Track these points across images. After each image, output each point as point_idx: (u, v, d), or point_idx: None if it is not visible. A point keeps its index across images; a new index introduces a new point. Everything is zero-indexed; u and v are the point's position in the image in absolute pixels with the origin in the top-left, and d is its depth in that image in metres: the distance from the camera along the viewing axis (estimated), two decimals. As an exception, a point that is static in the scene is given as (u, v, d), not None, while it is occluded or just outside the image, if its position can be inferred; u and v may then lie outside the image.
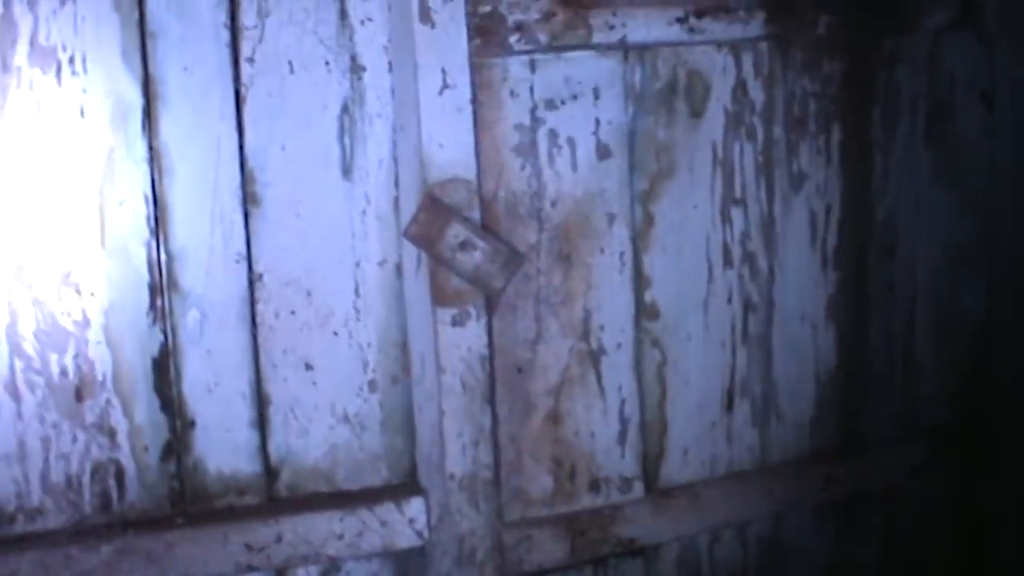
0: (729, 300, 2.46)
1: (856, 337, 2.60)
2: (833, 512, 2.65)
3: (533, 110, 2.20)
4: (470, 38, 2.09)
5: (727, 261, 2.44)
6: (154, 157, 2.04)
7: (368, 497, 2.21)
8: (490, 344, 2.18)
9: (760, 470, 2.53)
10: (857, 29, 2.46)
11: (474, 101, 2.11)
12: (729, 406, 2.48)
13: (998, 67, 2.66)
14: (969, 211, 2.71)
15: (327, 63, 2.12)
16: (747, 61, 2.39)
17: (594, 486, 2.35)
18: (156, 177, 2.04)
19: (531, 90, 2.20)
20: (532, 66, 2.19)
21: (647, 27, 2.24)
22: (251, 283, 2.12)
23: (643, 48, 2.28)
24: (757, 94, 2.42)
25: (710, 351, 2.45)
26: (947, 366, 2.75)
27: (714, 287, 2.44)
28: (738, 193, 2.43)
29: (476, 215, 2.12)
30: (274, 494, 2.19)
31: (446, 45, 2.06)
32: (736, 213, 2.43)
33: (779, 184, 2.47)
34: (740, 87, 2.40)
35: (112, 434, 2.07)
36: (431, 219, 2.06)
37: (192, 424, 2.11)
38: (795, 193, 2.49)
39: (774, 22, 2.34)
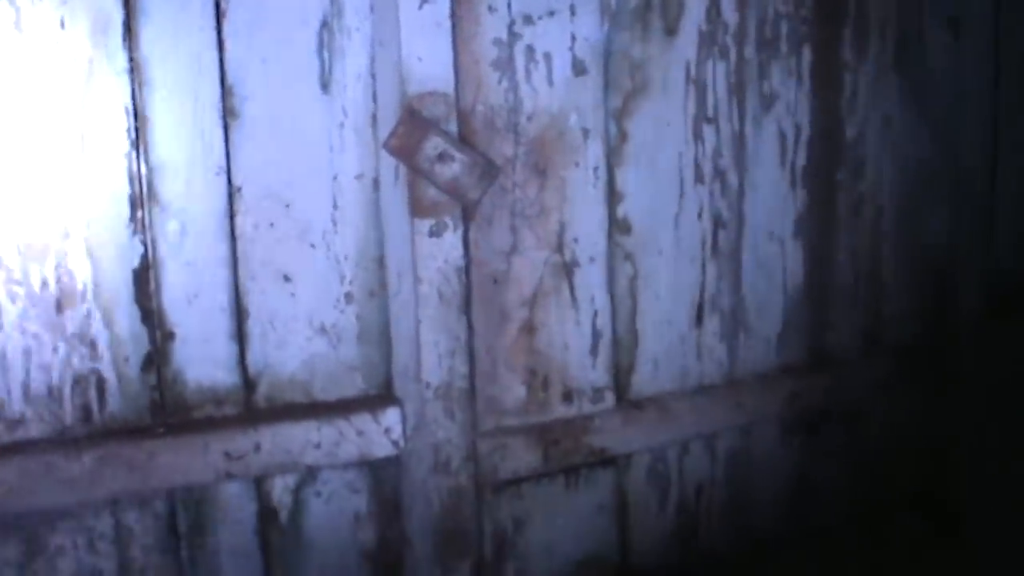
0: (700, 216, 2.49)
1: (823, 255, 2.65)
2: (800, 426, 2.70)
3: (511, 25, 2.22)
4: (451, -48, 2.10)
5: (698, 178, 2.47)
6: (134, 69, 2.03)
7: (345, 407, 2.23)
8: (466, 255, 2.21)
9: (728, 384, 2.58)
10: (830, -51, 2.49)
11: (453, 16, 2.12)
12: (699, 320, 2.53)
13: None
14: (935, 134, 2.74)
15: (307, -24, 2.12)
16: (722, -20, 2.42)
17: (567, 397, 2.39)
18: (136, 90, 2.03)
19: (509, 5, 2.21)
20: (511, -19, 2.21)
21: (623, -56, 2.27)
22: (230, 196, 2.13)
23: (619, -35, 2.30)
24: (730, 14, 2.44)
25: (680, 266, 2.49)
26: (911, 286, 2.80)
27: (685, 203, 2.47)
28: (710, 112, 2.46)
29: (454, 128, 2.14)
30: (252, 405, 2.20)
31: (426, -42, 2.08)
32: (708, 131, 2.46)
33: (750, 103, 2.50)
34: (714, 7, 2.42)
35: (93, 345, 2.08)
36: (410, 131, 2.08)
37: (172, 336, 2.13)
38: (766, 113, 2.52)
39: (748, -59, 2.37)
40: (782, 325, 2.64)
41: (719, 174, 2.49)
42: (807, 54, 2.54)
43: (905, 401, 2.84)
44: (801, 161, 2.58)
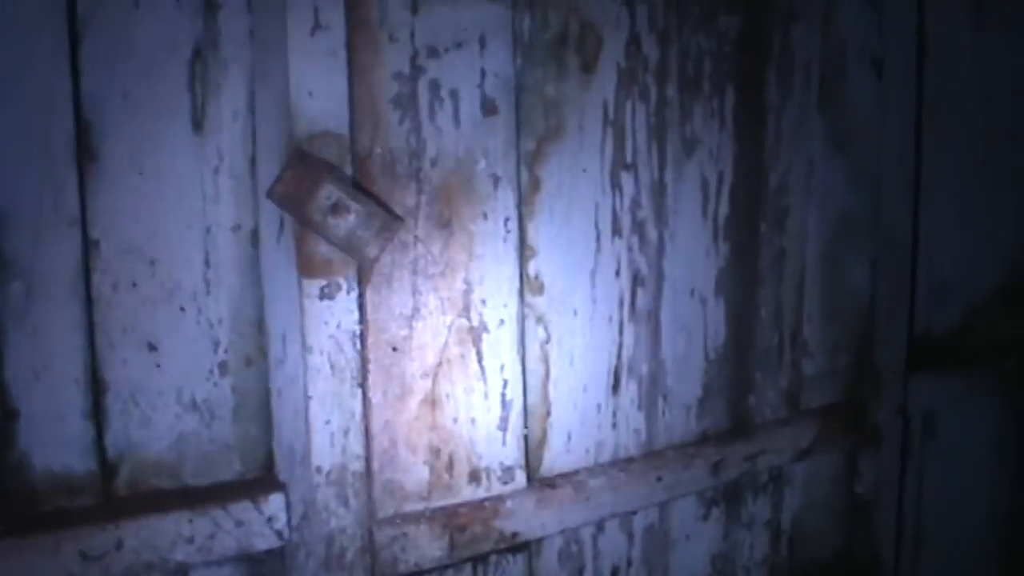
0: (617, 272, 2.30)
1: (745, 313, 2.49)
2: (721, 497, 2.55)
3: (414, 57, 1.98)
4: (346, -28, 1.86)
5: (616, 230, 2.28)
6: (-31, 101, 1.76)
7: (220, 494, 1.98)
8: (362, 320, 1.97)
9: (647, 456, 2.38)
10: (755, -16, 2.34)
11: (348, 45, 1.88)
12: (615, 387, 2.33)
13: (890, 35, 2.59)
14: (857, 182, 2.64)
15: (177, -2, 1.88)
16: (641, 14, 2.23)
17: (474, 477, 2.15)
18: (-29, 126, 1.76)
19: (412, 35, 1.97)
20: (414, 8, 1.95)
21: (540, -32, 2.06)
22: (86, 250, 1.87)
23: (534, -8, 2.10)
24: (651, 50, 2.26)
25: (597, 328, 2.29)
26: (832, 343, 2.68)
27: (602, 258, 2.27)
28: (629, 157, 2.27)
29: (348, 174, 1.90)
30: (112, 493, 1.94)
31: (319, -21, 1.84)
32: (626, 179, 2.27)
33: (671, 148, 2.32)
34: (634, 41, 2.23)
35: (-83, 427, 1.79)
36: (300, 177, 1.82)
37: (15, 414, 1.85)
38: (687, 158, 2.35)
39: (672, -29, 2.19)
40: (703, 389, 2.46)
41: (638, 226, 2.30)
42: (731, 94, 2.38)
43: (826, 462, 2.73)
44: (724, 211, 2.41)
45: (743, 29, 2.36)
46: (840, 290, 2.67)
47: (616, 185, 2.26)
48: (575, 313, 2.26)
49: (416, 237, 2.02)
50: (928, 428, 2.95)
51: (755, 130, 2.43)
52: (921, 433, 2.93)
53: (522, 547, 2.24)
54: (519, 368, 2.18)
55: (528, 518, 2.20)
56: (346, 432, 1.96)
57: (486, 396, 2.15)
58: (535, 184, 2.17)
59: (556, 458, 2.28)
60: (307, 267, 1.89)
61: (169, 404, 1.97)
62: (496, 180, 2.09)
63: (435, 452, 2.10)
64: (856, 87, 2.58)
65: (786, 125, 2.48)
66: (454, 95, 2.03)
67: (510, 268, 2.14)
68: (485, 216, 2.09)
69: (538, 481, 2.25)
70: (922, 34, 2.67)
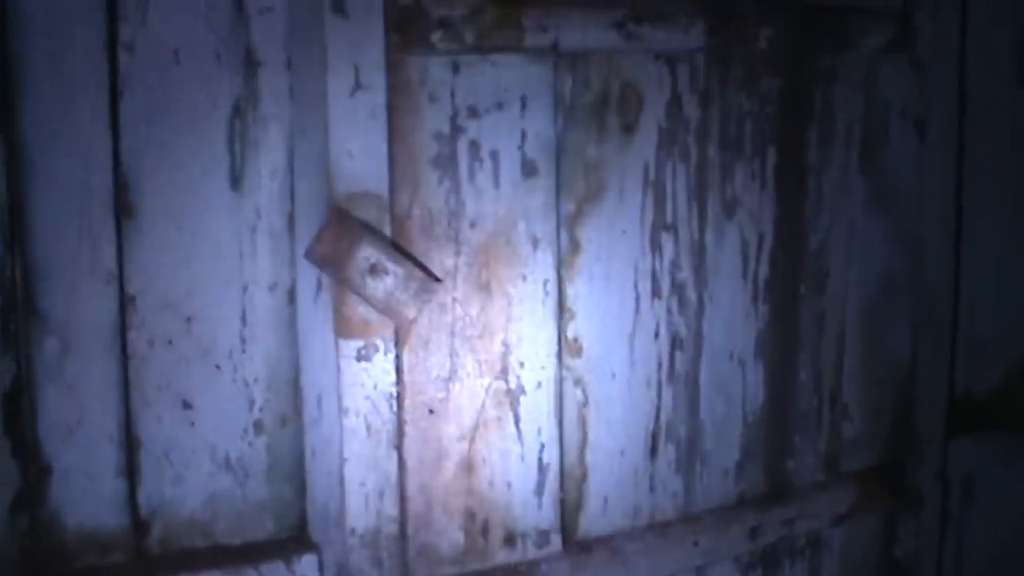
0: (656, 335, 2.28)
1: (785, 375, 2.47)
2: (758, 562, 2.52)
3: (454, 118, 1.97)
4: (387, 32, 1.84)
5: (655, 292, 2.26)
6: (11, 154, 1.74)
7: (253, 554, 1.96)
8: (399, 382, 1.95)
9: (684, 520, 2.36)
10: (797, 45, 2.32)
11: (389, 105, 1.87)
12: (653, 450, 2.30)
13: (931, 95, 2.58)
14: (899, 244, 2.62)
15: (218, 56, 1.87)
16: (683, 74, 2.22)
17: (509, 541, 2.12)
18: (13, 178, 1.75)
19: (452, 95, 1.96)
20: (455, 68, 1.95)
21: (583, 30, 2.04)
22: (122, 307, 1.86)
23: (575, 55, 2.08)
24: (692, 110, 2.25)
25: (635, 391, 2.27)
26: (872, 406, 2.65)
27: (641, 320, 2.25)
28: (669, 218, 2.25)
29: (387, 235, 1.89)
30: (144, 551, 1.92)
31: (361, 39, 1.82)
32: (666, 240, 2.26)
33: (712, 209, 2.31)
34: (675, 102, 2.22)
35: (-50, 483, 1.77)
36: (338, 238, 1.81)
37: (48, 471, 1.83)
38: (728, 220, 2.33)
39: (715, 33, 2.17)
40: (741, 453, 2.43)
41: (677, 288, 2.28)
42: (772, 155, 2.36)
43: (865, 526, 2.69)
44: (764, 273, 2.39)
45: (784, 90, 2.35)
46: (880, 352, 2.64)
47: (656, 246, 2.25)
48: (613, 376, 2.24)
49: (454, 299, 2.01)
50: (967, 492, 2.91)
51: (796, 191, 2.41)
52: (960, 497, 2.89)
53: (556, 614, 2.22)
54: (556, 431, 2.16)
55: (563, 584, 2.19)
56: (381, 494, 1.94)
57: (523, 459, 2.13)
58: (575, 246, 2.15)
59: (592, 522, 2.25)
60: (344, 327, 1.88)
61: (203, 462, 1.96)
62: (535, 242, 2.08)
63: (471, 516, 2.08)
64: (897, 148, 2.57)
65: (827, 186, 2.46)
66: (494, 156, 2.03)
67: (549, 330, 2.13)
68: (524, 278, 2.08)
69: (574, 545, 2.22)
70: (963, 94, 2.65)
